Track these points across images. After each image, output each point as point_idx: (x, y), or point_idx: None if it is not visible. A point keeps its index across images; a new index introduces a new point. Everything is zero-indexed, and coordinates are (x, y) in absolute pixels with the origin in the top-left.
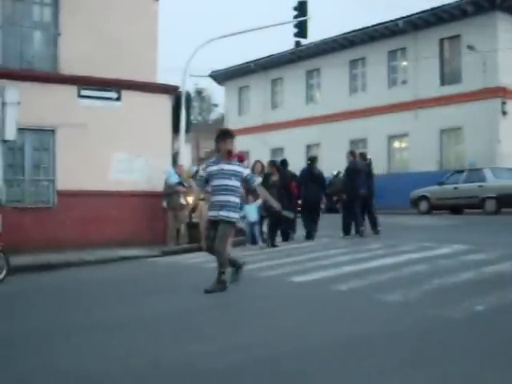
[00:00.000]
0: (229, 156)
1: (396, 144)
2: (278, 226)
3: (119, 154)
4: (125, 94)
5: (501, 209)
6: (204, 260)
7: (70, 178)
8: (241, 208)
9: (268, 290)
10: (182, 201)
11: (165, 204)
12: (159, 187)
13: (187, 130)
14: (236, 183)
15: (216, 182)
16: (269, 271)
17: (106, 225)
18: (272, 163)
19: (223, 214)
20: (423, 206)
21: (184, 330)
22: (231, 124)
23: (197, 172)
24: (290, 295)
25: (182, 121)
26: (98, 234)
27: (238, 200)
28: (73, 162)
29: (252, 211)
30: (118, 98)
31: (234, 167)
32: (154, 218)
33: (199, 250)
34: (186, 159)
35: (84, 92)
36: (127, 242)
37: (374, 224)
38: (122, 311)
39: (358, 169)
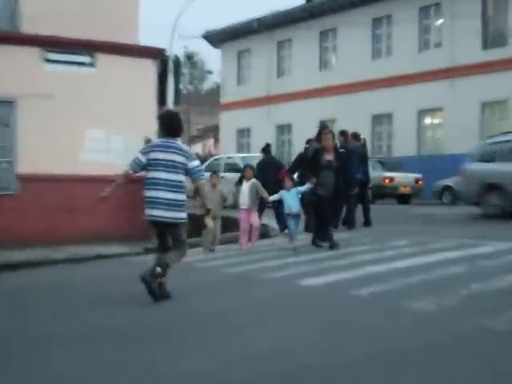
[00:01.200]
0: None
1: (427, 120)
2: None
3: (93, 130)
4: (100, 58)
5: None
6: (198, 258)
7: (34, 159)
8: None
9: (272, 296)
10: None
11: None
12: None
13: (176, 102)
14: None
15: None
16: (274, 272)
17: (78, 216)
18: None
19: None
20: (446, 198)
21: (175, 342)
22: (228, 95)
23: None
24: (297, 302)
25: (169, 91)
26: (68, 226)
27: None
28: (37, 140)
29: (291, 199)
30: (92, 64)
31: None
32: (136, 208)
33: (194, 245)
34: None
35: (50, 55)
36: (103, 236)
37: (367, 215)
38: (97, 320)
39: (351, 151)
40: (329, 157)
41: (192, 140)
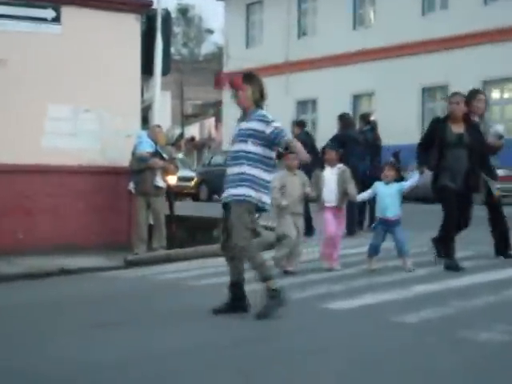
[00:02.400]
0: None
1: (495, 93)
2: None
3: (57, 106)
4: (66, 11)
5: None
6: (194, 274)
7: None
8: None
9: (290, 324)
10: (159, 182)
11: (131, 187)
12: (122, 160)
13: (165, 71)
14: (253, 148)
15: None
16: (294, 292)
17: (38, 219)
18: None
19: (232, 191)
20: None
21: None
22: (234, 61)
23: (181, 136)
24: (322, 330)
25: (156, 56)
26: (26, 232)
27: (257, 173)
28: None
29: (391, 198)
30: (56, 19)
31: (251, 124)
32: (114, 209)
33: (187, 257)
34: (163, 116)
35: (1, 9)
36: (71, 245)
37: (372, 218)
38: (61, 353)
39: (349, 139)
40: (458, 129)
41: (187, 119)
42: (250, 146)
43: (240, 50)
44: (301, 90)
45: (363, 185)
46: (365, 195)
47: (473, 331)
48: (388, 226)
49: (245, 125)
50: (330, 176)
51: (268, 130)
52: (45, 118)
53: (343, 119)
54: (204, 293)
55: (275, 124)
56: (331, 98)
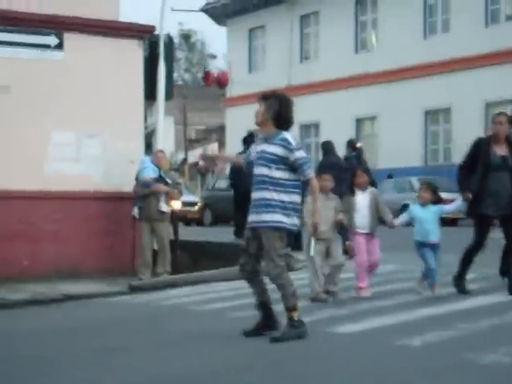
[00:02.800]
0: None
1: None
2: None
3: (61, 133)
4: (69, 38)
5: None
6: (199, 299)
7: None
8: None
9: (296, 348)
10: (163, 207)
11: (135, 212)
12: (126, 185)
13: (168, 97)
14: (278, 174)
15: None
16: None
17: (42, 244)
18: None
19: (264, 218)
20: None
21: None
22: (237, 86)
23: (185, 160)
24: (328, 355)
25: (159, 81)
26: (29, 258)
27: (287, 198)
28: None
29: (430, 221)
30: (59, 46)
31: (273, 149)
32: (117, 234)
33: (192, 282)
34: (166, 141)
35: (4, 35)
36: (75, 271)
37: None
38: (68, 379)
39: (333, 165)
40: (501, 150)
41: (190, 144)
42: (275, 172)
43: (243, 75)
44: (304, 113)
45: None
46: (402, 220)
47: (477, 354)
48: (430, 248)
49: (267, 147)
50: (362, 201)
51: (291, 158)
52: (48, 143)
53: (326, 146)
54: (209, 318)
55: (298, 154)
56: (334, 122)
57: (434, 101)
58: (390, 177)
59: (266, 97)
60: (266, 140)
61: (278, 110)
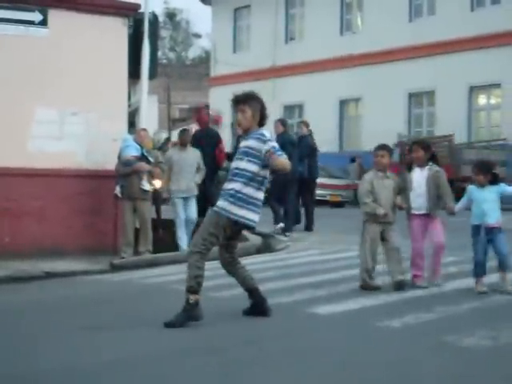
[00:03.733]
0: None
1: (481, 99)
2: None
3: (43, 109)
4: (53, 15)
5: None
6: (179, 278)
7: None
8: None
9: (276, 329)
10: (145, 185)
11: (117, 190)
12: (108, 163)
13: (152, 75)
14: (247, 165)
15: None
16: (279, 297)
17: (24, 222)
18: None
19: (221, 204)
20: None
21: None
22: (221, 66)
23: (167, 140)
24: (308, 335)
25: (143, 60)
26: (11, 236)
27: (248, 190)
28: None
29: (490, 203)
30: (43, 22)
31: (248, 142)
32: (100, 213)
33: (173, 261)
34: (150, 120)
35: None
36: (57, 249)
37: (309, 219)
38: (49, 356)
39: (288, 142)
40: None
41: (174, 124)
42: (245, 164)
43: (227, 55)
44: (288, 94)
45: (300, 185)
46: (462, 204)
47: (456, 336)
48: (488, 234)
49: (244, 143)
50: (420, 178)
51: (264, 148)
52: (31, 121)
53: (284, 124)
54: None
55: (272, 144)
56: (318, 103)
57: (419, 83)
58: (353, 160)
59: (245, 100)
60: (245, 138)
61: (260, 111)
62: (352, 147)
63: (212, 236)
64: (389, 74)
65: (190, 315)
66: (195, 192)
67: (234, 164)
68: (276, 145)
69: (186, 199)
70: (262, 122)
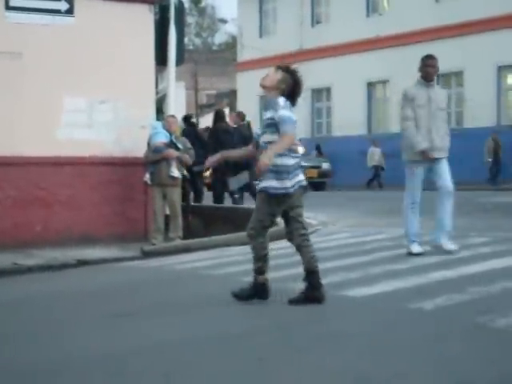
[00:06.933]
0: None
1: (510, 79)
2: None
3: (73, 98)
4: (79, 3)
5: None
6: (210, 264)
7: None
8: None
9: (308, 313)
10: (175, 172)
11: (147, 177)
12: (137, 151)
13: (179, 61)
14: (271, 137)
15: None
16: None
17: (55, 210)
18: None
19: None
20: None
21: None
22: (248, 51)
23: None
24: (341, 319)
25: (170, 46)
26: (42, 224)
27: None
28: (0, 111)
29: None
30: (70, 11)
31: (268, 113)
32: (130, 200)
33: (204, 247)
34: (178, 106)
35: (14, 1)
36: (87, 237)
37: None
38: (81, 342)
39: (223, 131)
40: None
41: (201, 109)
42: (269, 136)
43: (254, 40)
44: (315, 78)
45: (235, 170)
46: None
47: (490, 317)
48: None
49: (265, 114)
50: None
51: (276, 116)
52: (61, 110)
53: (220, 113)
54: (221, 282)
55: (282, 112)
56: (346, 86)
57: (446, 64)
58: (318, 149)
59: (285, 69)
60: (265, 107)
61: (289, 88)
62: (380, 130)
63: (267, 215)
64: (416, 55)
65: (257, 292)
66: None
67: (263, 138)
68: (287, 114)
69: None
70: (291, 100)
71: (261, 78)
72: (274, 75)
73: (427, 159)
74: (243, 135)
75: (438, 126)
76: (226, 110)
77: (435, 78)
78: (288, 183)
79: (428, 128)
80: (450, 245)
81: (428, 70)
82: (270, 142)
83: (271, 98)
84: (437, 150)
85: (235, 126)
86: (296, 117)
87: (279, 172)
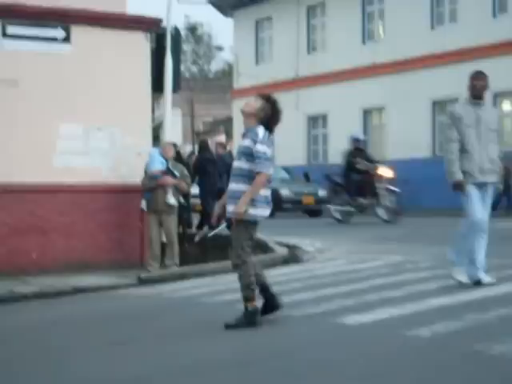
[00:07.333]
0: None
1: (506, 105)
2: None
3: (69, 125)
4: (76, 31)
5: None
6: (206, 291)
7: None
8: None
9: (304, 340)
10: (171, 199)
11: (143, 204)
12: (133, 178)
13: (176, 88)
14: (246, 165)
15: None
16: (307, 307)
17: (50, 238)
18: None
19: (231, 209)
20: None
21: None
22: (244, 78)
23: (192, 153)
24: (336, 347)
25: (166, 74)
26: (38, 252)
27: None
28: None
29: None
30: (67, 39)
31: (244, 142)
32: (126, 227)
33: (200, 274)
34: (174, 133)
35: (11, 29)
36: (84, 264)
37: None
38: (81, 370)
39: (208, 161)
40: None
41: (198, 137)
42: (244, 164)
43: (250, 67)
44: (311, 105)
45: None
46: None
47: (486, 345)
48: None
49: (241, 142)
50: None
51: (254, 150)
52: (56, 137)
53: (202, 144)
54: (218, 309)
55: (258, 147)
56: (342, 113)
57: (443, 91)
58: (305, 175)
59: (266, 98)
60: (244, 135)
61: (267, 117)
62: (377, 157)
63: (246, 241)
64: (412, 82)
65: (249, 321)
66: None
67: (235, 164)
68: (263, 150)
69: None
70: (268, 126)
71: (243, 104)
72: (254, 103)
73: (459, 191)
74: (226, 163)
75: (488, 148)
76: (223, 137)
77: (485, 96)
78: (267, 212)
79: (476, 150)
80: (487, 277)
81: (476, 87)
82: (241, 169)
83: (250, 125)
84: (485, 174)
85: (220, 154)
86: (270, 152)
87: (261, 201)
